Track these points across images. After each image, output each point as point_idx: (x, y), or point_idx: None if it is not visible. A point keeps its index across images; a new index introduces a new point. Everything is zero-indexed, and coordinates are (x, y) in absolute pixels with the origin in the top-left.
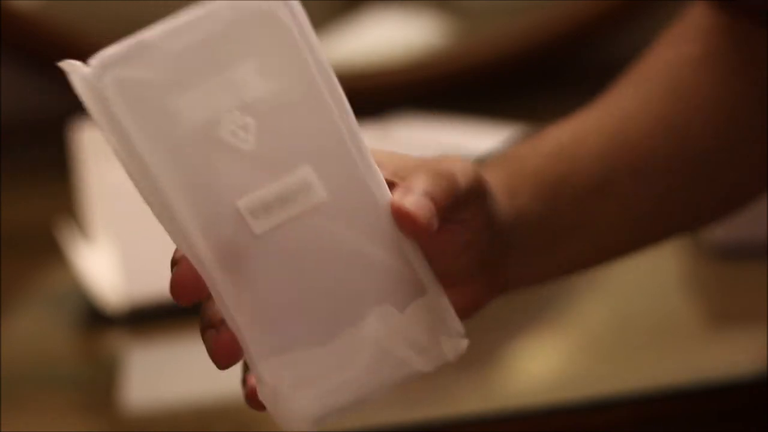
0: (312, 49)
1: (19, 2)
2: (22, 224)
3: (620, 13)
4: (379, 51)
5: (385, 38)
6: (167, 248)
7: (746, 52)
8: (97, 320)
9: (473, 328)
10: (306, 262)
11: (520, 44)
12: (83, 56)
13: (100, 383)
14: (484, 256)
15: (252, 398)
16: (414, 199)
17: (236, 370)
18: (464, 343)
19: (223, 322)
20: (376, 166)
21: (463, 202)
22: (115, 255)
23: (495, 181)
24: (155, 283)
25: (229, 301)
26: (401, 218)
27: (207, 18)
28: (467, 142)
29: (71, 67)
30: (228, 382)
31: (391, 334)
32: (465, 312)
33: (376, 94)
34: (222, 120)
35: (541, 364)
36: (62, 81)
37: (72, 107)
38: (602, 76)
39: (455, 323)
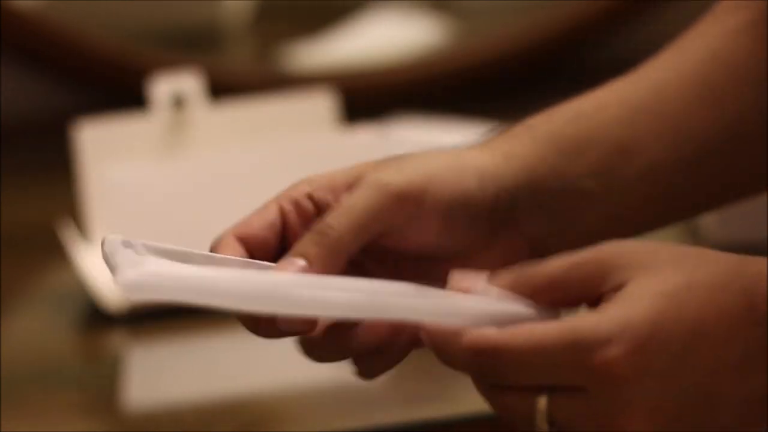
0: None
1: (19, 2)
2: (23, 224)
3: (620, 13)
4: (379, 51)
5: (385, 38)
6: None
7: None
8: (97, 320)
9: None
10: None
11: (520, 44)
12: (83, 56)
13: (101, 383)
14: (470, 232)
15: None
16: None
17: (235, 369)
18: None
19: None
20: None
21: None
22: None
23: (485, 150)
24: None
25: None
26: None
27: None
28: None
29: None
30: (229, 382)
31: None
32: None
33: (376, 94)
34: None
35: None
36: (62, 81)
37: (72, 107)
38: (602, 76)
39: None
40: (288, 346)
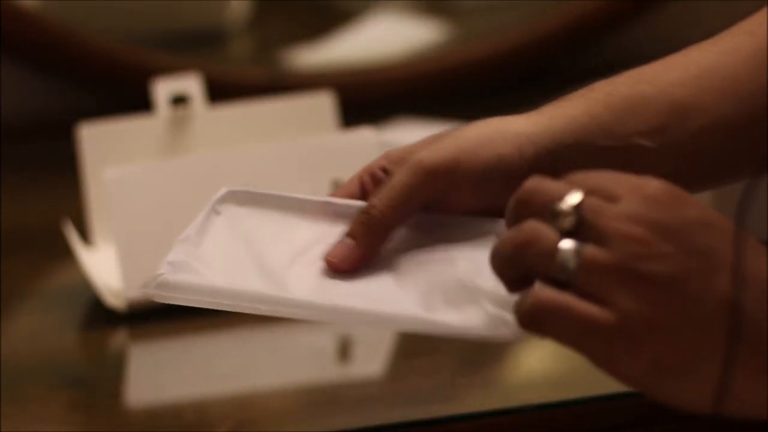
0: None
1: (19, 2)
2: (24, 224)
3: (618, 14)
4: (378, 52)
5: (384, 39)
6: (167, 248)
7: None
8: (99, 319)
9: None
10: None
11: (519, 45)
12: (84, 57)
13: (103, 381)
14: (511, 193)
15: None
16: (332, 250)
17: (236, 368)
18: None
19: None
20: None
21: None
22: (115, 254)
23: (531, 116)
24: None
25: None
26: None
27: None
28: None
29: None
30: (229, 381)
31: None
32: None
33: (375, 95)
34: None
35: (542, 364)
36: (64, 82)
37: (74, 108)
38: (599, 77)
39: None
40: (288, 346)
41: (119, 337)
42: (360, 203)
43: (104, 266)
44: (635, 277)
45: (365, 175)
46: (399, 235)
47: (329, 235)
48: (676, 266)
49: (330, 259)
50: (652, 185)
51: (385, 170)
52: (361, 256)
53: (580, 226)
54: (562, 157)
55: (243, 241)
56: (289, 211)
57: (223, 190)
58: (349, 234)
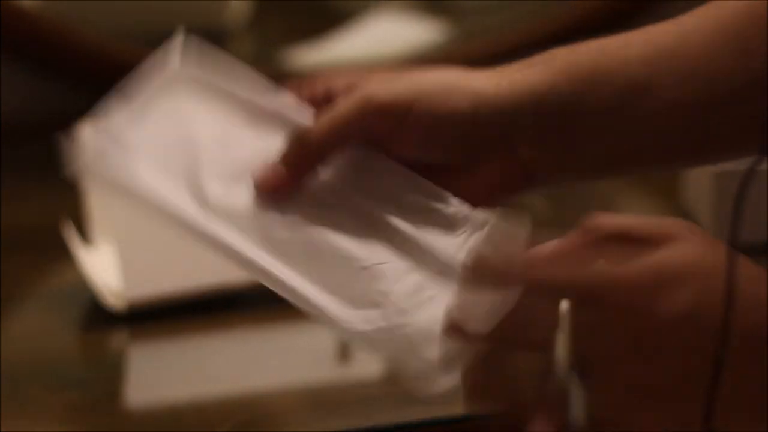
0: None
1: (19, 2)
2: (23, 224)
3: (620, 13)
4: (378, 51)
5: (384, 39)
6: (167, 248)
7: None
8: (98, 319)
9: None
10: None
11: (519, 45)
12: (84, 56)
13: (102, 382)
14: (457, 149)
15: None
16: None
17: (236, 368)
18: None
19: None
20: None
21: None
22: (115, 254)
23: (492, 76)
24: (155, 282)
25: None
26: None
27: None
28: None
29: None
30: (229, 382)
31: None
32: (488, 198)
33: None
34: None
35: None
36: (63, 81)
37: (73, 107)
38: None
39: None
40: (288, 346)
41: (119, 338)
42: (306, 116)
43: (104, 266)
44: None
45: (306, 88)
46: (335, 175)
47: (268, 143)
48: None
49: (257, 182)
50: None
51: (328, 94)
52: (288, 182)
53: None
54: (515, 125)
55: (179, 130)
56: (235, 106)
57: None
58: (281, 158)
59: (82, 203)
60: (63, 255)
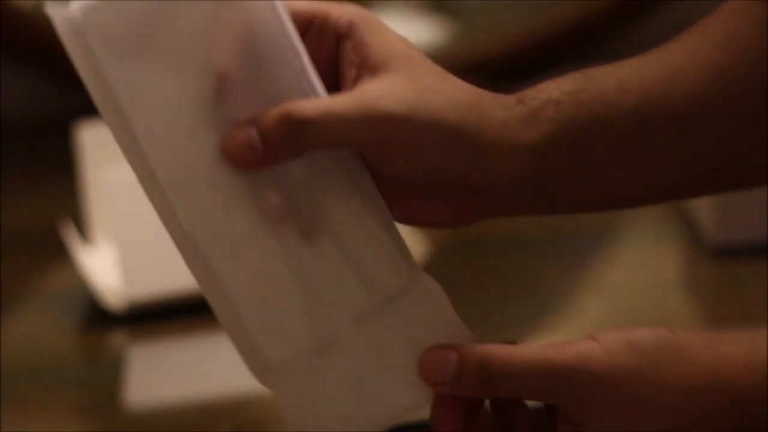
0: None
1: (19, 2)
2: (23, 224)
3: (620, 13)
4: None
5: None
6: (167, 248)
7: None
8: (98, 320)
9: (474, 328)
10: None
11: (521, 44)
12: None
13: (102, 382)
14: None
15: None
16: (232, 139)
17: (236, 369)
18: None
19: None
20: None
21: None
22: (115, 254)
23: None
24: (155, 282)
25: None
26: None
27: None
28: None
29: (54, 9)
30: (228, 381)
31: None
32: (450, 222)
33: None
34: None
35: None
36: (62, 81)
37: (73, 107)
38: None
39: None
40: None
41: (118, 338)
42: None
43: (104, 266)
44: None
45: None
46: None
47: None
48: None
49: (226, 148)
50: None
51: (349, 31)
52: (261, 163)
53: None
54: (514, 183)
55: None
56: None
57: None
58: (262, 132)
59: (82, 203)
60: (63, 255)
